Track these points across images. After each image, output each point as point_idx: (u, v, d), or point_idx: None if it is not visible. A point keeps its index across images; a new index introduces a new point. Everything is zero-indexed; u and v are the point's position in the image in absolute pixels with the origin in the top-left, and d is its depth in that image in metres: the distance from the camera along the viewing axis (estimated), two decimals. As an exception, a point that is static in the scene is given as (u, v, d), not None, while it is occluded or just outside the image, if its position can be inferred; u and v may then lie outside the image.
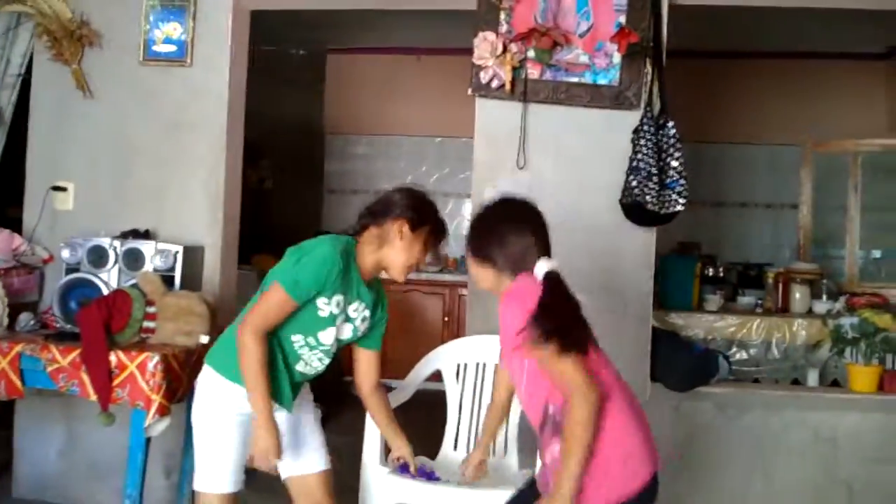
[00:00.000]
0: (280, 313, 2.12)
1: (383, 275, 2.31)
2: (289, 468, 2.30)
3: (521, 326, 1.87)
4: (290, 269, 2.11)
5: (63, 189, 3.49)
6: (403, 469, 2.48)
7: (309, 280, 2.10)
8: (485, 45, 3.21)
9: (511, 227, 2.05)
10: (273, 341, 2.18)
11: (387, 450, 2.54)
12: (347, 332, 2.26)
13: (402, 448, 2.45)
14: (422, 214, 2.23)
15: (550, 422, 1.93)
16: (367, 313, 2.28)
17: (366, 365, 2.39)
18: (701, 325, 3.96)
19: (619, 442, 1.88)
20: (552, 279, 1.94)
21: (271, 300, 2.11)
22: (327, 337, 2.21)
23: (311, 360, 2.25)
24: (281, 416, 2.25)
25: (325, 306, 2.16)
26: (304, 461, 2.32)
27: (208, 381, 2.25)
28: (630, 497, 1.88)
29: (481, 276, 2.09)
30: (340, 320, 2.21)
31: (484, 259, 2.06)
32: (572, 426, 1.81)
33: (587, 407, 1.80)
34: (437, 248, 2.27)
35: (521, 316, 1.89)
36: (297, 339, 2.20)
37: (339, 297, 2.17)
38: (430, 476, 2.53)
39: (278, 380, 2.20)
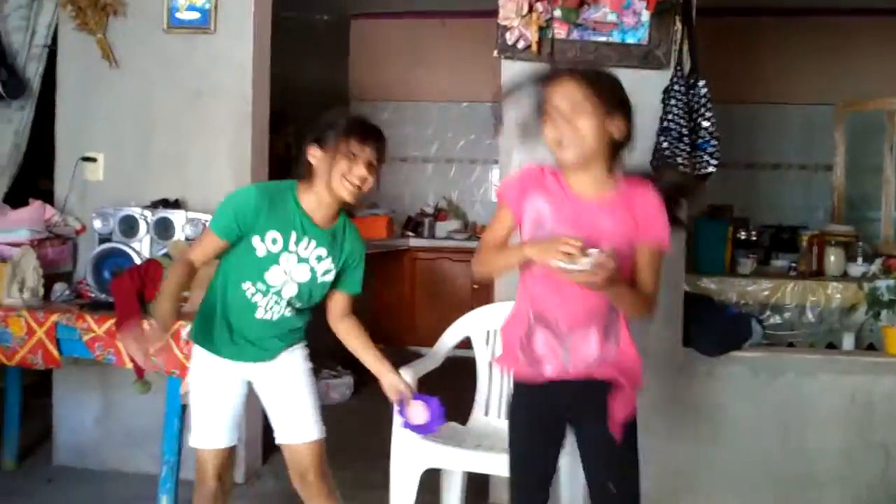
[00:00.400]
0: (206, 247, 2.20)
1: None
2: (279, 435, 2.33)
3: (656, 217, 1.93)
4: (215, 212, 2.21)
5: (93, 159, 3.50)
6: (403, 407, 2.39)
7: (226, 214, 2.16)
8: (510, 6, 3.16)
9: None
10: (220, 292, 2.23)
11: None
12: (304, 274, 2.21)
13: (388, 375, 2.40)
14: (323, 127, 2.19)
15: (605, 318, 1.96)
16: (322, 253, 2.22)
17: (334, 302, 2.35)
18: (734, 289, 3.92)
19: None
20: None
21: (202, 238, 2.27)
22: (275, 278, 2.18)
23: (271, 307, 2.22)
24: (269, 375, 2.29)
25: (260, 244, 2.16)
26: (294, 429, 2.31)
27: (194, 351, 2.34)
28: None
29: (594, 131, 1.87)
30: (287, 260, 2.18)
31: (611, 114, 1.89)
32: (647, 300, 1.95)
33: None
34: (362, 149, 2.15)
35: (660, 207, 1.94)
36: (247, 287, 2.19)
37: (273, 234, 2.16)
38: (430, 404, 2.39)
39: (215, 329, 2.24)
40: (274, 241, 2.16)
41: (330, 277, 2.27)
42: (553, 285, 1.93)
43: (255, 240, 2.16)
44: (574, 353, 1.97)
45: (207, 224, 2.19)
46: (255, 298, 2.20)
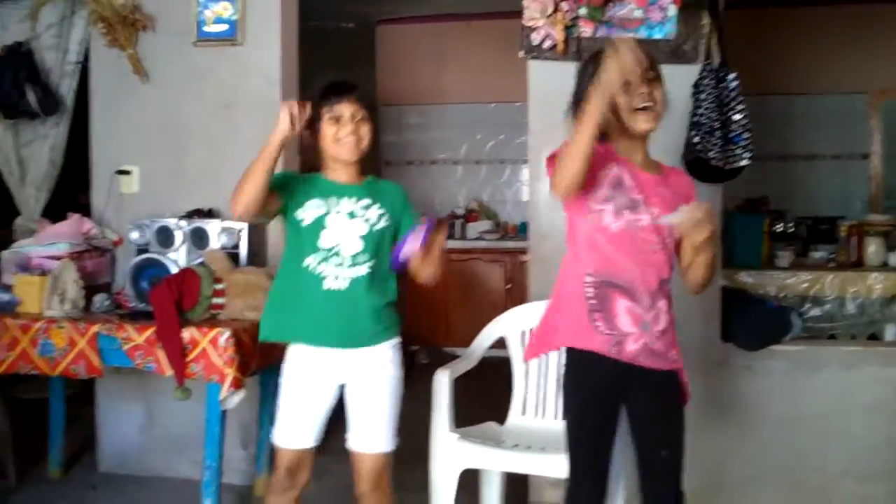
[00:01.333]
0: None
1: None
2: (355, 441, 2.32)
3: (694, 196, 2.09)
4: None
5: (127, 172, 3.56)
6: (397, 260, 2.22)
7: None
8: (535, 6, 3.15)
9: None
10: (288, 282, 2.27)
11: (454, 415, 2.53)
12: (360, 227, 2.24)
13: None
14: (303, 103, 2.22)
15: (666, 284, 2.06)
16: (367, 202, 2.27)
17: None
18: (772, 283, 3.85)
19: None
20: None
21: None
22: (329, 239, 2.21)
23: (337, 273, 2.21)
24: (362, 381, 2.29)
25: (304, 213, 2.22)
26: (363, 438, 2.30)
27: (288, 351, 2.33)
28: None
29: (664, 98, 2.08)
30: (336, 221, 2.22)
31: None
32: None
33: None
34: (340, 108, 2.22)
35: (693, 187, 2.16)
36: (308, 262, 2.22)
37: (314, 202, 2.23)
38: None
39: (293, 317, 2.25)
40: (318, 206, 2.23)
41: (386, 222, 2.28)
42: (635, 248, 2.01)
43: (298, 212, 2.22)
44: (654, 325, 2.04)
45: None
46: (319, 269, 2.22)
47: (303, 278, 2.23)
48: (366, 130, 2.25)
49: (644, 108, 2.03)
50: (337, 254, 2.22)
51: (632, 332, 2.03)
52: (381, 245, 2.27)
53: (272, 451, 2.36)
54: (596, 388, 2.07)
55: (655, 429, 2.09)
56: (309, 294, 2.23)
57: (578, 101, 2.07)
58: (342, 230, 2.23)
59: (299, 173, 2.33)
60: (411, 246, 2.15)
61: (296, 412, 2.29)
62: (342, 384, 2.31)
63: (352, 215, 2.25)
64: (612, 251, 2.02)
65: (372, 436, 2.30)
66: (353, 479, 2.34)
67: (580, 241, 2.07)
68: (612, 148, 2.09)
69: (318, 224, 2.22)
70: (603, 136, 2.06)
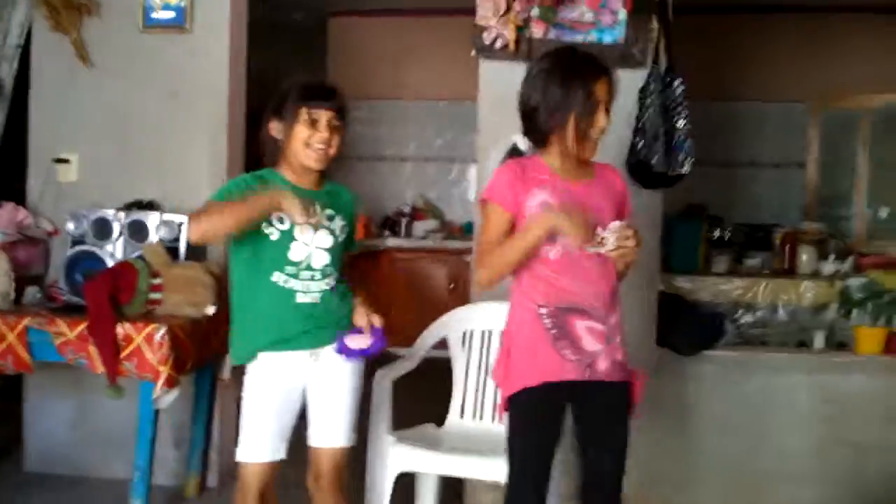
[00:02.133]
0: (214, 205, 2.14)
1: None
2: (316, 437, 2.29)
3: (626, 192, 2.19)
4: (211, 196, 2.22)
5: (66, 161, 3.47)
6: (341, 337, 2.26)
7: (228, 186, 2.20)
8: (487, 5, 3.15)
9: None
10: (251, 301, 2.19)
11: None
12: (326, 239, 2.21)
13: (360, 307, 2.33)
14: (280, 98, 2.20)
15: (616, 287, 2.11)
16: (330, 212, 2.23)
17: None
18: (708, 288, 3.94)
19: None
20: None
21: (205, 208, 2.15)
22: (298, 253, 2.17)
23: (308, 286, 2.19)
24: (324, 379, 2.26)
25: (269, 228, 2.15)
26: (323, 433, 2.28)
27: (248, 369, 2.25)
28: None
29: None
30: (301, 232, 2.16)
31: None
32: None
33: None
34: (320, 112, 2.16)
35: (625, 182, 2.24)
36: (277, 278, 2.16)
37: (278, 214, 2.14)
38: (374, 330, 2.30)
39: (261, 336, 2.19)
40: (281, 220, 2.15)
41: (346, 232, 2.28)
42: (578, 269, 2.03)
43: (263, 226, 2.14)
44: (615, 335, 2.08)
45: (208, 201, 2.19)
46: (289, 284, 2.16)
47: (271, 294, 2.17)
48: (337, 140, 2.20)
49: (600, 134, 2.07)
50: (308, 267, 2.18)
51: (599, 350, 2.05)
52: (342, 256, 2.28)
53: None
54: (546, 408, 2.08)
55: (603, 440, 2.12)
56: (279, 311, 2.17)
57: (527, 109, 2.11)
58: (309, 243, 2.18)
59: (255, 180, 2.22)
60: (361, 345, 2.24)
61: (267, 422, 2.20)
62: (305, 386, 2.27)
63: (317, 227, 2.18)
64: (557, 278, 2.03)
65: (331, 429, 2.28)
66: (309, 474, 2.31)
67: (524, 274, 2.07)
68: (539, 160, 2.12)
69: (287, 237, 2.15)
70: (540, 143, 2.12)
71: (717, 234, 4.64)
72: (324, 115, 2.17)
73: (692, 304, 3.73)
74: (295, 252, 2.16)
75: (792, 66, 5.71)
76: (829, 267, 4.13)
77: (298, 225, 2.11)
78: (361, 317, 2.29)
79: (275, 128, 2.20)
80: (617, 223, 1.96)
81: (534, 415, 2.08)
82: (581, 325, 2.04)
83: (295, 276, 2.17)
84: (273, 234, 2.15)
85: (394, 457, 2.54)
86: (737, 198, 5.77)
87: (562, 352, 2.03)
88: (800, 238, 4.32)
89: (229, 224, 2.07)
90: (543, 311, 2.04)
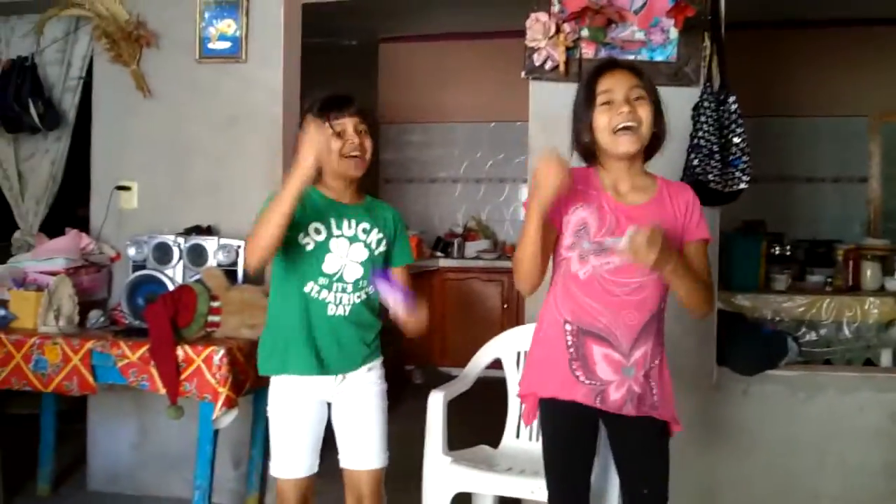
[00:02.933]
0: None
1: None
2: (343, 459, 2.31)
3: (696, 213, 2.01)
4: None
5: (127, 188, 3.57)
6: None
7: (269, 199, 2.10)
8: (537, 27, 3.17)
9: None
10: (285, 309, 2.19)
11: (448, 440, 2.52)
12: (360, 252, 2.21)
13: None
14: (303, 120, 2.22)
15: (655, 320, 1.99)
16: (366, 226, 2.23)
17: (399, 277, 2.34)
18: (768, 306, 3.84)
19: None
20: None
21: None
22: (332, 265, 2.17)
23: (340, 299, 2.19)
24: (349, 399, 2.26)
25: (306, 238, 2.15)
26: (358, 455, 2.29)
27: (272, 382, 2.28)
28: None
29: (650, 118, 1.96)
30: (338, 245, 2.17)
31: (657, 107, 1.99)
32: (708, 287, 2.01)
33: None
34: (343, 122, 2.17)
35: (697, 202, 2.02)
36: (310, 288, 2.17)
37: (314, 225, 2.16)
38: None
39: (291, 349, 2.18)
40: (317, 231, 2.17)
41: (384, 247, 2.27)
42: (607, 294, 1.95)
43: (300, 237, 2.15)
44: (638, 368, 1.98)
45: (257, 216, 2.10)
46: (321, 296, 2.18)
47: (304, 305, 2.18)
48: (369, 144, 2.22)
49: (625, 129, 1.93)
50: (341, 279, 2.19)
51: (612, 380, 1.97)
52: (377, 269, 2.25)
53: (264, 476, 2.32)
54: (571, 428, 2.04)
55: (637, 466, 2.05)
56: (312, 322, 2.18)
57: (575, 124, 2.06)
58: (343, 255, 2.19)
59: None
60: (390, 293, 2.14)
61: (295, 439, 2.23)
62: (329, 402, 2.29)
63: (353, 239, 2.21)
64: (583, 298, 1.97)
65: (366, 452, 2.29)
66: (346, 497, 2.32)
67: (557, 287, 2.03)
68: (594, 174, 2.03)
69: (322, 248, 2.17)
70: (589, 157, 2.05)
71: (776, 250, 4.53)
72: (349, 123, 2.19)
73: (753, 323, 3.65)
74: (329, 264, 2.17)
75: (847, 81, 5.59)
76: (894, 283, 4.00)
77: (305, 174, 1.99)
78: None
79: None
80: (631, 228, 1.81)
81: (558, 428, 2.04)
82: (598, 351, 1.96)
83: (328, 288, 2.18)
84: (309, 244, 2.16)
85: (450, 477, 2.53)
86: (796, 214, 5.65)
87: (575, 372, 1.98)
88: (863, 254, 4.20)
89: (274, 228, 2.01)
90: (568, 327, 1.99)
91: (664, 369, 2.05)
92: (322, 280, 2.17)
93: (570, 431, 2.04)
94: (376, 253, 2.25)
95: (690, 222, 2.01)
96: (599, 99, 1.96)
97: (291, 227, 2.10)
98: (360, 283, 2.22)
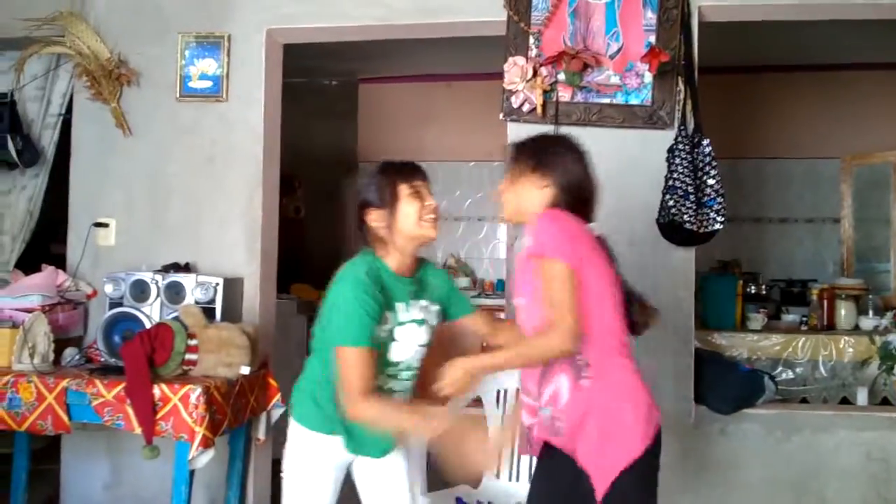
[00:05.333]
0: (369, 368, 2.00)
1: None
2: None
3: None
4: (344, 328, 2.01)
5: (105, 225, 3.55)
6: None
7: (364, 322, 2.00)
8: (515, 70, 3.22)
9: (577, 157, 2.13)
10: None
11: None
12: (423, 335, 2.16)
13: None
14: (368, 190, 2.14)
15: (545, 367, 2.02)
16: (426, 302, 2.18)
17: (478, 325, 2.35)
18: (745, 345, 3.89)
19: (634, 397, 1.99)
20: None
21: (350, 363, 1.99)
22: (400, 353, 2.12)
23: (400, 376, 2.16)
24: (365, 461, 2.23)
25: (379, 330, 2.05)
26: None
27: (296, 433, 2.20)
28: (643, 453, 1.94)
29: (525, 196, 2.10)
30: (404, 332, 2.11)
31: (543, 174, 2.09)
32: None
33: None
34: (417, 184, 2.12)
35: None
36: (381, 382, 2.09)
37: (385, 315, 2.07)
38: None
39: (338, 423, 2.11)
40: (386, 321, 2.07)
41: (439, 315, 2.24)
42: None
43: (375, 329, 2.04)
44: (555, 403, 2.04)
45: (341, 346, 2.00)
46: (389, 385, 2.13)
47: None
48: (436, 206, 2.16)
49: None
50: (408, 367, 2.16)
51: (532, 424, 2.09)
52: (432, 338, 2.22)
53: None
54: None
55: None
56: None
57: None
58: (411, 340, 2.13)
59: (366, 277, 2.05)
60: None
61: (307, 498, 2.17)
62: (349, 463, 2.25)
63: (420, 322, 2.15)
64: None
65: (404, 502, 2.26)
66: None
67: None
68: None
69: (388, 340, 2.09)
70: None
71: (752, 289, 4.59)
72: (423, 186, 2.13)
73: (730, 362, 3.68)
74: (396, 352, 2.11)
75: (820, 124, 5.71)
76: (868, 322, 4.06)
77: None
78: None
79: (374, 217, 2.11)
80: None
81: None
82: (524, 403, 2.11)
83: (395, 377, 2.14)
84: (379, 335, 2.05)
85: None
86: (770, 254, 5.72)
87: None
88: (838, 293, 4.26)
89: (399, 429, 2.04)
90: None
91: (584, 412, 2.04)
92: (389, 370, 2.12)
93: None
94: (433, 326, 2.21)
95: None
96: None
97: (376, 317, 2.03)
98: (411, 359, 2.16)
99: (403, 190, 2.10)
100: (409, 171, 2.14)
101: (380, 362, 2.06)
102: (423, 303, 2.18)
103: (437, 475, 2.61)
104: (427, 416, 1.95)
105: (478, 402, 2.90)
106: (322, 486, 2.18)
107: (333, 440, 2.15)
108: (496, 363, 2.06)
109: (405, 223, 2.09)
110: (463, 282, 6.23)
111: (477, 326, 2.34)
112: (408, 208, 2.09)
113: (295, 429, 2.20)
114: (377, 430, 2.08)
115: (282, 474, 2.22)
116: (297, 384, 2.24)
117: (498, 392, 2.90)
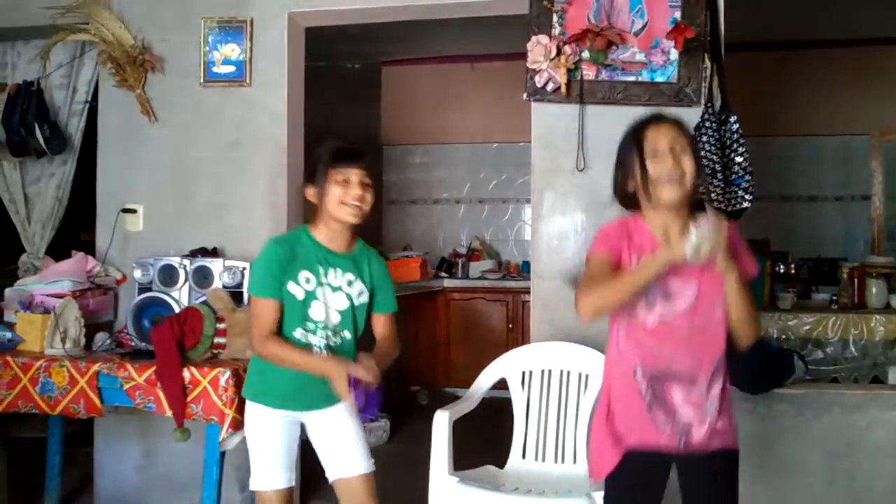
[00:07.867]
0: (269, 314, 2.27)
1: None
2: (334, 471, 2.38)
3: (739, 248, 1.97)
4: (251, 281, 2.41)
5: (133, 211, 3.59)
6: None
7: (264, 276, 2.28)
8: (538, 49, 3.19)
9: None
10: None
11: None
12: (341, 301, 2.33)
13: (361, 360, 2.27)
14: (311, 165, 2.37)
15: (718, 361, 1.99)
16: (350, 277, 2.34)
17: (377, 326, 2.45)
18: (774, 325, 3.84)
19: None
20: None
21: (255, 310, 2.30)
22: (318, 312, 2.30)
23: (317, 332, 2.30)
24: (319, 418, 2.36)
25: (297, 288, 2.27)
26: (348, 464, 2.37)
27: (249, 406, 2.42)
28: None
29: (694, 170, 1.97)
30: (323, 293, 2.30)
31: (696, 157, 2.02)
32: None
33: None
34: (350, 172, 2.28)
35: (740, 237, 2.01)
36: (299, 334, 2.29)
37: (305, 274, 2.28)
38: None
39: (276, 386, 2.32)
40: (307, 280, 2.29)
41: (365, 298, 2.38)
42: (677, 338, 1.95)
43: (291, 286, 2.28)
44: (717, 404, 1.98)
45: (251, 296, 2.33)
46: (308, 339, 2.30)
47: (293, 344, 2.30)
48: (370, 197, 2.32)
49: (669, 179, 1.94)
50: (325, 326, 2.31)
51: (693, 420, 1.96)
52: (357, 318, 2.37)
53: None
54: (648, 476, 2.02)
55: (711, 500, 2.04)
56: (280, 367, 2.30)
57: (620, 171, 2.05)
58: (327, 303, 2.31)
59: (283, 240, 2.36)
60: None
61: (274, 455, 2.35)
62: (302, 422, 2.40)
63: (335, 289, 2.32)
64: (655, 345, 1.96)
65: (355, 459, 2.37)
66: None
67: (620, 336, 2.01)
68: (643, 225, 2.02)
69: (310, 297, 2.29)
70: (629, 204, 2.05)
71: (781, 269, 4.53)
72: (355, 174, 2.29)
73: (760, 342, 3.63)
74: (314, 311, 2.30)
75: (848, 100, 5.62)
76: (899, 300, 4.00)
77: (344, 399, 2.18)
78: (357, 369, 2.23)
79: (310, 193, 2.34)
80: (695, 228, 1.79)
81: (635, 477, 2.01)
82: (678, 395, 1.95)
83: (314, 332, 2.31)
84: (298, 293, 2.27)
85: (456, 498, 2.52)
86: (799, 232, 5.66)
87: (655, 419, 1.96)
88: (868, 271, 4.20)
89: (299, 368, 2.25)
90: (639, 375, 1.97)
91: (728, 398, 2.05)
92: (308, 325, 2.30)
93: (646, 479, 2.02)
94: (356, 304, 2.36)
95: (741, 258, 2.00)
96: (646, 150, 1.97)
97: (285, 275, 2.26)
98: (340, 327, 2.34)
99: (333, 175, 2.28)
100: (349, 161, 2.30)
101: (300, 316, 2.29)
102: (349, 276, 2.34)
103: (459, 456, 2.64)
104: (320, 360, 2.24)
105: (502, 384, 2.90)
106: (276, 441, 2.35)
107: (272, 411, 2.34)
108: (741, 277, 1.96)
109: (329, 204, 2.29)
110: (487, 264, 6.24)
111: (377, 326, 2.44)
112: (335, 191, 2.28)
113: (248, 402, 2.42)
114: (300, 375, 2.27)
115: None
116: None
117: (523, 373, 2.89)
